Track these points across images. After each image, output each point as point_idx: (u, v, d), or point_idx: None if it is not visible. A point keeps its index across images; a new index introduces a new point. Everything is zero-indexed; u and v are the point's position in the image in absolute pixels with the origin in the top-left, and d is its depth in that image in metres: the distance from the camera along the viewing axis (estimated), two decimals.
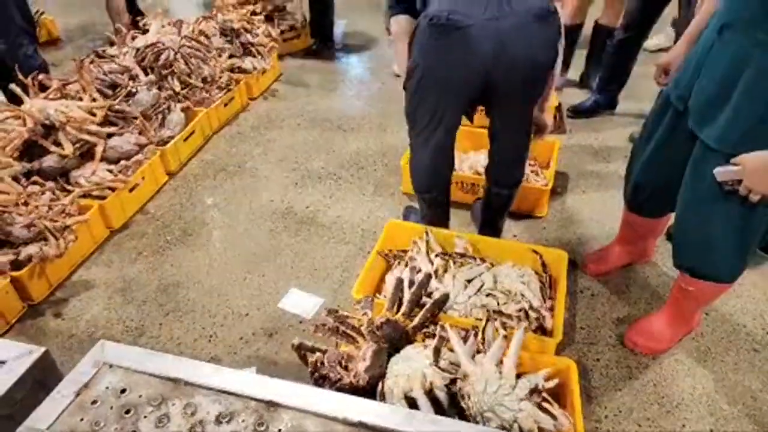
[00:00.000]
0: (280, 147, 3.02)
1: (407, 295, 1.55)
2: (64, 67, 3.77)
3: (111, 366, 0.90)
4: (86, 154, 2.44)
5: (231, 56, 3.44)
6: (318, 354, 1.33)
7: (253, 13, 3.82)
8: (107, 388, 0.87)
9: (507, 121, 1.84)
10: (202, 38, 3.27)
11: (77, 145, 2.38)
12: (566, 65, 3.46)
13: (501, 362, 1.33)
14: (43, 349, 0.90)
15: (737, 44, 1.30)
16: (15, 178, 2.18)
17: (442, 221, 2.14)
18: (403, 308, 1.51)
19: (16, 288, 1.96)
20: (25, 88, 2.46)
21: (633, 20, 2.83)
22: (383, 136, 3.09)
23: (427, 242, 1.96)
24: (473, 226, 2.39)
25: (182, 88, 2.99)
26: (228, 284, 2.13)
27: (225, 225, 2.45)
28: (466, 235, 2.02)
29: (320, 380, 1.29)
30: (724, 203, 1.41)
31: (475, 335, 1.45)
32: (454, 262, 1.88)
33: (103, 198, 2.33)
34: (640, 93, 3.29)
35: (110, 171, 2.43)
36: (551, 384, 1.35)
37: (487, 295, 1.77)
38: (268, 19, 3.95)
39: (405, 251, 1.98)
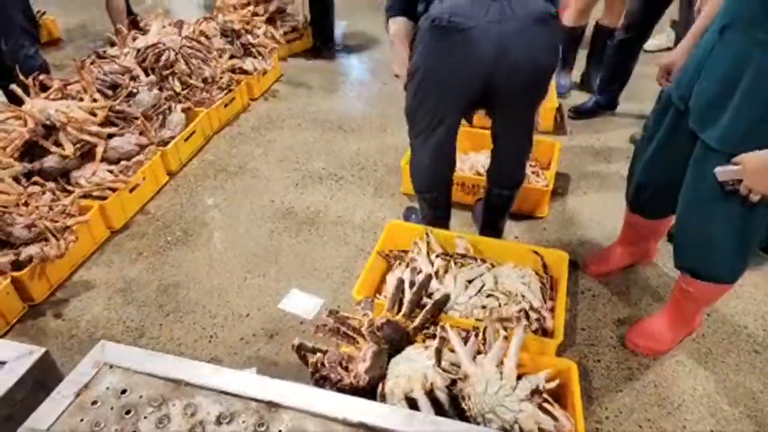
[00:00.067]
0: (280, 147, 3.02)
1: (408, 295, 1.55)
2: (64, 68, 3.77)
3: (111, 366, 0.90)
4: (87, 154, 2.44)
5: (232, 57, 3.45)
6: (318, 355, 1.33)
7: (255, 14, 3.83)
8: (107, 388, 0.87)
9: (508, 124, 1.85)
10: (202, 39, 3.27)
11: (78, 146, 2.38)
12: (570, 66, 3.46)
13: (502, 363, 1.33)
14: (43, 350, 0.90)
15: (738, 44, 1.30)
16: (16, 179, 2.19)
17: (443, 222, 2.14)
18: (404, 309, 1.51)
19: (16, 288, 1.96)
20: (25, 89, 2.47)
21: (634, 21, 2.83)
22: (384, 137, 3.09)
23: (428, 243, 1.95)
24: (474, 227, 2.39)
25: (183, 89, 2.99)
26: (228, 285, 2.13)
27: (225, 225, 2.45)
28: (467, 236, 2.02)
29: (321, 381, 1.29)
30: (725, 203, 1.41)
31: (476, 336, 1.44)
32: (455, 263, 1.88)
33: (104, 198, 2.33)
34: (641, 93, 3.29)
35: (111, 171, 2.43)
36: (552, 385, 1.35)
37: (488, 296, 1.77)
38: (271, 20, 3.95)
39: (406, 252, 1.98)
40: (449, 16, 1.51)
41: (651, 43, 3.66)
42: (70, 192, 2.29)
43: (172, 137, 2.77)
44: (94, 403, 0.85)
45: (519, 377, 1.30)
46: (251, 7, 3.87)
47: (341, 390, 1.26)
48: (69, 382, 0.87)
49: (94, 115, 2.47)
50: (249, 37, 3.59)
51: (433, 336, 1.44)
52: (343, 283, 2.12)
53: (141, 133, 2.62)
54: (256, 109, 3.43)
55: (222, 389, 0.86)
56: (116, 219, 2.39)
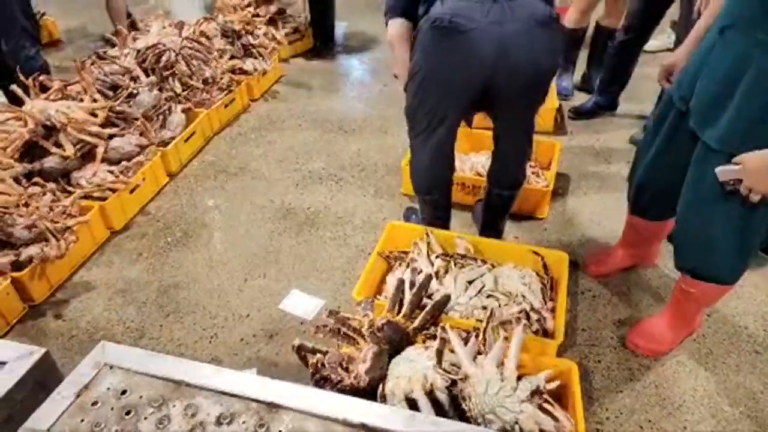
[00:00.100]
0: (280, 148, 3.02)
1: (408, 296, 1.55)
2: (65, 69, 3.78)
3: (111, 367, 0.90)
4: (87, 155, 2.45)
5: (232, 57, 3.45)
6: (319, 355, 1.33)
7: (256, 15, 3.83)
8: (108, 389, 0.87)
9: (509, 125, 1.86)
10: (203, 39, 3.27)
11: (78, 146, 2.38)
12: (572, 68, 3.46)
13: (502, 364, 1.33)
14: (43, 350, 0.90)
15: (738, 45, 1.31)
16: (16, 179, 2.19)
17: (443, 222, 2.14)
18: (404, 310, 1.50)
19: (16, 289, 1.96)
20: (26, 89, 2.47)
21: (634, 22, 2.83)
22: (384, 138, 3.09)
23: (428, 243, 1.95)
24: (474, 227, 2.39)
25: (183, 90, 2.99)
26: (229, 285, 2.13)
27: (226, 226, 2.45)
28: (467, 236, 2.02)
29: (321, 381, 1.29)
30: (725, 204, 1.41)
31: (476, 336, 1.44)
32: (455, 264, 1.88)
33: (104, 199, 2.33)
34: (641, 94, 3.29)
35: (111, 172, 2.43)
36: (553, 386, 1.35)
37: (488, 296, 1.77)
38: (272, 22, 3.96)
39: (406, 252, 1.98)
40: (450, 16, 1.52)
41: (651, 44, 3.65)
42: (70, 193, 2.29)
43: (173, 138, 2.77)
44: (94, 403, 0.85)
45: (519, 378, 1.30)
46: (252, 8, 3.88)
47: (341, 391, 1.26)
48: (69, 383, 0.87)
49: (95, 115, 2.48)
50: (249, 37, 3.59)
51: (434, 337, 1.44)
52: (344, 284, 2.12)
53: (141, 134, 2.62)
54: (256, 109, 3.44)
55: (222, 390, 0.86)
56: (116, 220, 2.39)
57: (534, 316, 1.72)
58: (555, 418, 1.24)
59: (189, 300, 2.06)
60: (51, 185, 2.25)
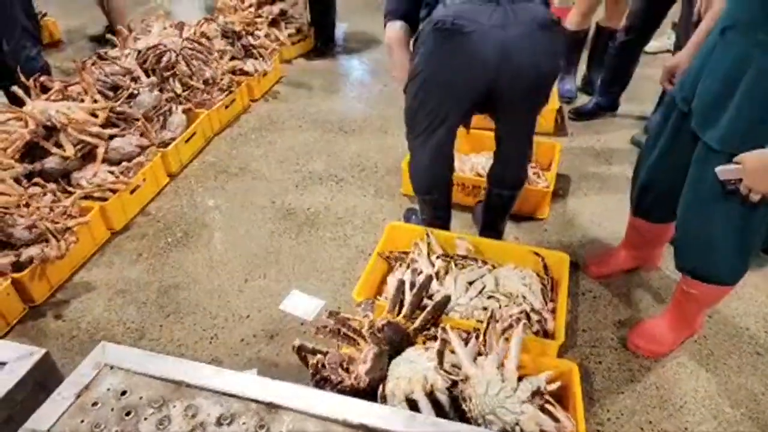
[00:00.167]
0: (281, 148, 3.02)
1: (408, 297, 1.55)
2: (65, 70, 3.78)
3: (112, 368, 0.90)
4: (88, 155, 2.45)
5: (232, 58, 3.45)
6: (319, 356, 1.33)
7: (258, 16, 3.83)
8: (108, 389, 0.87)
9: (511, 128, 1.86)
10: (203, 40, 3.28)
11: (78, 147, 2.38)
12: (574, 70, 3.46)
13: (503, 365, 1.32)
14: (43, 351, 0.90)
15: (739, 45, 1.31)
16: (16, 180, 2.19)
17: (443, 223, 2.14)
18: (405, 310, 1.50)
19: (17, 289, 1.96)
20: (26, 90, 2.47)
21: (635, 23, 2.83)
22: (384, 138, 3.09)
23: (429, 244, 1.95)
24: (475, 228, 2.38)
25: (184, 90, 2.99)
26: (229, 286, 2.13)
27: (226, 226, 2.45)
28: (468, 237, 2.02)
29: (321, 382, 1.29)
30: (725, 204, 1.41)
31: (477, 337, 1.44)
32: (456, 264, 1.88)
33: (104, 199, 2.33)
34: (642, 95, 3.29)
35: (111, 172, 2.43)
36: (553, 386, 1.34)
37: (489, 297, 1.77)
38: (274, 23, 3.96)
39: (406, 253, 1.98)
40: (453, 19, 1.51)
41: (652, 45, 3.65)
42: (70, 193, 2.29)
43: (173, 138, 2.77)
44: (94, 404, 0.85)
45: (520, 379, 1.30)
46: (252, 9, 3.88)
47: (342, 391, 1.26)
48: (69, 383, 0.87)
49: (95, 116, 2.48)
50: (250, 38, 3.59)
51: (434, 337, 1.43)
52: (344, 285, 2.12)
53: (142, 135, 2.62)
54: (256, 110, 3.44)
55: (222, 390, 0.86)
56: (117, 220, 2.39)
57: (534, 317, 1.72)
58: (556, 419, 1.23)
59: (189, 300, 2.06)
60: (51, 186, 2.25)
